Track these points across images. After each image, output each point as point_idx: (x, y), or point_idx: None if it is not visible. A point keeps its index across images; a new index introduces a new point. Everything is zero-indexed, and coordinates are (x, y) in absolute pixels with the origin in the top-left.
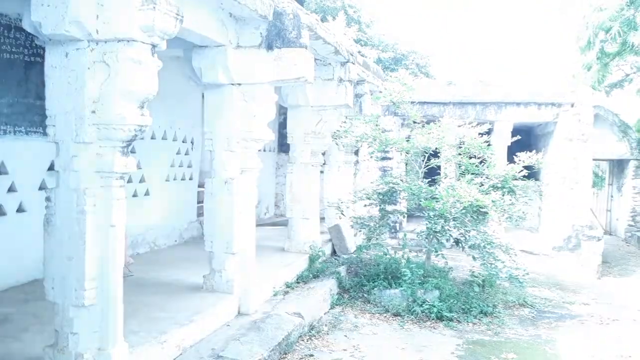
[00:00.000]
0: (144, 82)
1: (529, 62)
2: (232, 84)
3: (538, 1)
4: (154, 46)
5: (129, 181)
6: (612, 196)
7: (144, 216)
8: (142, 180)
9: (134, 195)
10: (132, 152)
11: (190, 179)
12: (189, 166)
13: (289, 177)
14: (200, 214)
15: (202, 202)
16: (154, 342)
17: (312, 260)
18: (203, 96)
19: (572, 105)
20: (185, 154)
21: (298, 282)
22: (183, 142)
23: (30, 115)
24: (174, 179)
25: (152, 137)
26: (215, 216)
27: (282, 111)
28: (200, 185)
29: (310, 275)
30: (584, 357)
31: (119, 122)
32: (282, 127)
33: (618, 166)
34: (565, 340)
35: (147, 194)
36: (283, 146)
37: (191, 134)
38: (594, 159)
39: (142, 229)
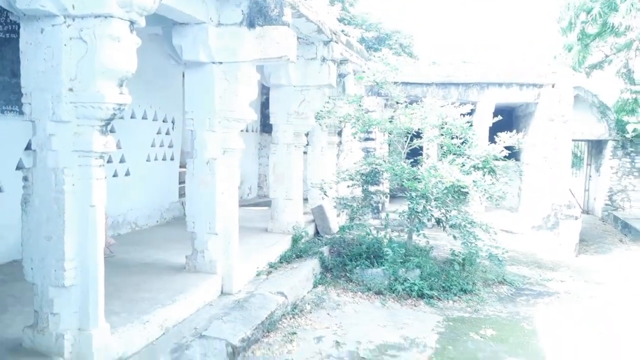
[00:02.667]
0: (123, 60)
1: (512, 41)
2: (214, 63)
3: None
4: (132, 23)
5: (109, 161)
6: (590, 176)
7: (125, 196)
8: (122, 160)
9: (114, 175)
10: (112, 131)
11: (172, 159)
12: (170, 146)
13: (272, 158)
14: (182, 194)
15: (184, 182)
16: (136, 323)
17: (295, 240)
18: (184, 75)
19: (553, 86)
20: (166, 134)
21: (281, 262)
22: (164, 121)
23: (6, 93)
24: (155, 159)
25: (132, 117)
26: (197, 197)
27: (265, 91)
28: (182, 166)
29: (294, 255)
30: (559, 333)
31: (97, 101)
32: (264, 107)
33: (596, 147)
34: (542, 317)
35: (127, 174)
36: (266, 126)
37: (172, 113)
38: (573, 140)
39: (123, 209)
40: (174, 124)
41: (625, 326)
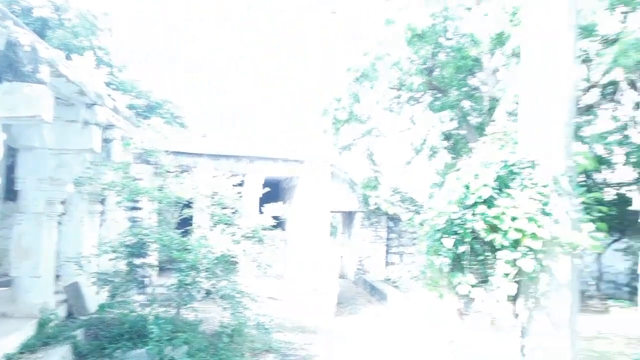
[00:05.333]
0: None
1: (280, 117)
2: None
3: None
4: None
5: None
6: (344, 244)
7: None
8: None
9: None
10: None
11: None
12: None
13: (18, 229)
14: None
15: None
16: None
17: (42, 325)
18: None
19: (312, 163)
20: None
21: (22, 353)
22: None
23: None
24: None
25: None
26: None
27: (12, 153)
28: None
29: (39, 342)
30: None
31: None
32: (11, 171)
33: (348, 218)
34: None
35: None
36: (10, 193)
37: None
38: (331, 211)
39: None
40: None
41: None
